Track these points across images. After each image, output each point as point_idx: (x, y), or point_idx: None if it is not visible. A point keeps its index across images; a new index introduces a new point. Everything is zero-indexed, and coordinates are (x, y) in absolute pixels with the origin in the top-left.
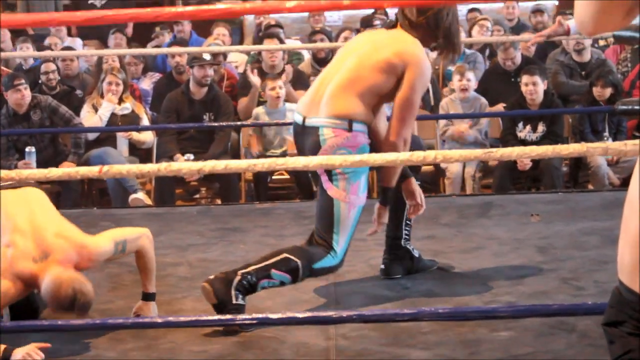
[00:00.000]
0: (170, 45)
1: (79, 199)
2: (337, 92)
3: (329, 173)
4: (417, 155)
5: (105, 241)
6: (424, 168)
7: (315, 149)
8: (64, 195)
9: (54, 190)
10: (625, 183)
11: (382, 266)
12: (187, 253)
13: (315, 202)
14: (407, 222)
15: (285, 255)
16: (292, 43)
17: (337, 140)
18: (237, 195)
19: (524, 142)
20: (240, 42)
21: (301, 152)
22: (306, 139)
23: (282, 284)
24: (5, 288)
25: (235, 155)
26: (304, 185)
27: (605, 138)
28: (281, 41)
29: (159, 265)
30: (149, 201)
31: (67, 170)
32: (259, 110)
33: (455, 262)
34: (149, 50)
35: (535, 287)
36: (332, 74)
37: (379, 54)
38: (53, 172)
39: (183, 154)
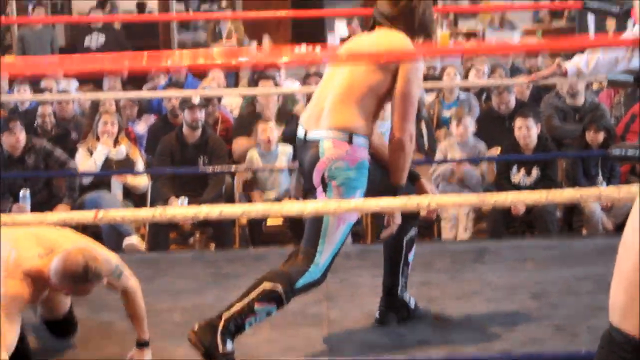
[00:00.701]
0: (165, 87)
1: None
2: (337, 103)
3: (324, 185)
4: (412, 202)
5: (109, 254)
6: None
7: (314, 162)
8: None
9: None
10: (619, 228)
11: (377, 315)
12: (181, 298)
13: None
14: (405, 271)
15: (264, 284)
16: (287, 85)
17: (336, 153)
18: (232, 239)
19: (518, 187)
20: (236, 85)
21: (301, 165)
22: (306, 152)
23: (269, 314)
24: (17, 289)
25: (230, 198)
26: (298, 230)
27: (599, 183)
28: (276, 83)
29: (153, 311)
30: (142, 245)
31: (62, 215)
32: (252, 154)
33: (449, 309)
34: (144, 93)
35: (529, 334)
36: (329, 85)
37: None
38: (49, 218)
39: (177, 198)
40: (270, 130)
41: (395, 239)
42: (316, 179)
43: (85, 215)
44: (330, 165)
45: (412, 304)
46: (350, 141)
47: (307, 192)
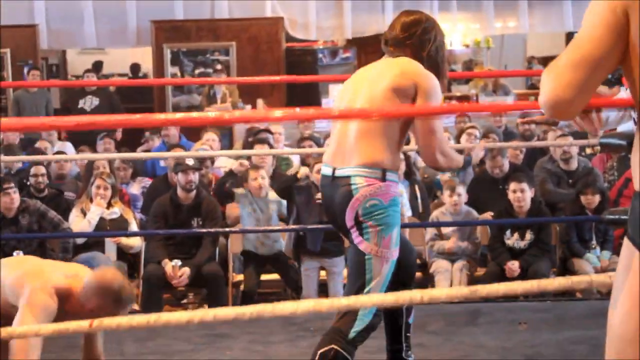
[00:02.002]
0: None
1: None
2: (362, 137)
3: (359, 226)
4: (404, 297)
5: None
6: None
7: (347, 199)
8: None
9: None
10: None
11: None
12: (174, 359)
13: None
14: (407, 334)
15: (320, 351)
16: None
17: (369, 190)
18: (225, 300)
19: (512, 250)
20: (230, 147)
21: (329, 204)
22: (336, 190)
23: None
24: (47, 302)
25: (223, 260)
26: (292, 288)
27: (593, 247)
28: (271, 146)
29: None
30: (136, 306)
31: (57, 327)
32: (243, 194)
33: None
34: (139, 155)
35: None
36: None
37: (385, 83)
38: (43, 329)
39: (171, 259)
40: (262, 177)
41: (390, 314)
42: (349, 217)
43: (81, 325)
44: (364, 203)
45: None
46: (383, 178)
47: (337, 230)
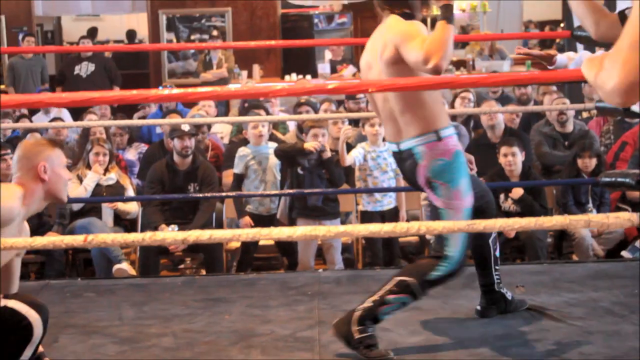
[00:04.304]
0: (165, 115)
1: (63, 269)
2: (405, 111)
3: (431, 186)
4: (401, 227)
5: None
6: (409, 239)
7: (414, 168)
8: (48, 266)
9: (38, 260)
10: (609, 254)
11: (478, 308)
12: (171, 324)
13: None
14: (496, 267)
15: (397, 279)
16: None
17: (431, 154)
18: (222, 265)
19: (507, 214)
20: (226, 113)
21: (406, 175)
22: (404, 163)
23: (404, 304)
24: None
25: (220, 225)
26: (289, 254)
27: (589, 210)
28: (267, 112)
29: (143, 336)
30: (133, 271)
31: (52, 239)
32: (244, 151)
33: (441, 333)
34: (135, 121)
35: (520, 359)
36: (379, 97)
37: (379, 64)
38: (38, 241)
39: (167, 225)
40: (262, 126)
41: (480, 243)
42: (421, 182)
43: (75, 239)
44: (431, 166)
45: (509, 296)
46: (438, 138)
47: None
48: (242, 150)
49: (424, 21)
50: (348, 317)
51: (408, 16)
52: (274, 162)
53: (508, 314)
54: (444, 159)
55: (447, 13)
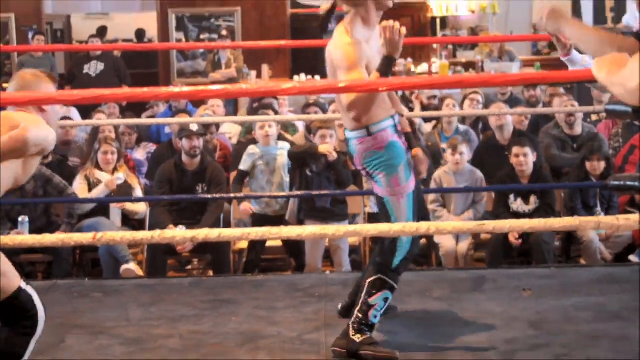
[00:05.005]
0: (174, 115)
1: (70, 270)
2: (345, 105)
3: (370, 176)
4: (410, 227)
5: None
6: None
7: (352, 158)
8: (55, 265)
9: (46, 260)
10: (617, 258)
11: (340, 307)
12: (178, 325)
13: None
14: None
15: (368, 281)
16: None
17: (363, 147)
18: (229, 266)
19: (517, 215)
20: (235, 113)
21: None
22: (349, 149)
23: (387, 299)
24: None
25: (228, 226)
26: (296, 255)
27: (597, 213)
28: (276, 112)
29: (150, 337)
30: (140, 272)
31: (61, 236)
32: (254, 150)
33: (447, 337)
34: (144, 120)
35: None
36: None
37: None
38: (47, 238)
39: (176, 225)
40: (270, 126)
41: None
42: (363, 173)
43: (84, 237)
44: (364, 159)
45: None
46: (369, 133)
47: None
48: (251, 149)
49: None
50: (344, 333)
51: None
52: (282, 163)
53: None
54: (375, 151)
55: (386, 67)
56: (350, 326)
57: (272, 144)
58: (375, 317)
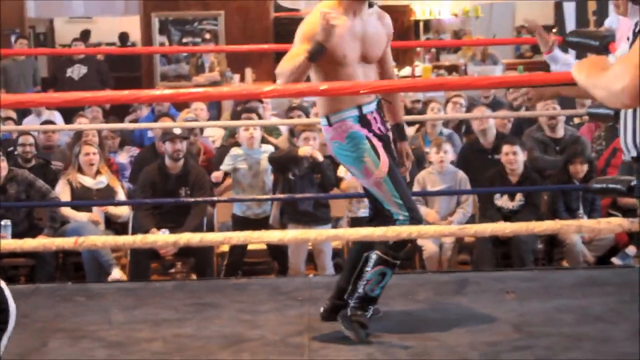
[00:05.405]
0: (157, 118)
1: (53, 273)
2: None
3: (349, 170)
4: (393, 231)
5: None
6: None
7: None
8: (38, 269)
9: (29, 264)
10: (600, 261)
11: (322, 310)
12: (161, 328)
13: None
14: (356, 281)
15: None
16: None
17: (327, 137)
18: (213, 269)
19: (500, 210)
20: (218, 116)
21: None
22: None
23: (383, 274)
24: None
25: (211, 230)
26: (279, 258)
27: (580, 216)
28: (259, 116)
29: (133, 340)
30: (123, 276)
31: (43, 241)
32: (236, 151)
33: (431, 339)
34: (127, 125)
35: None
36: None
37: None
38: (28, 243)
39: (159, 229)
40: (254, 129)
41: (358, 250)
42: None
43: (66, 241)
44: (333, 150)
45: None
46: (329, 123)
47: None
48: (234, 150)
49: None
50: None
51: None
52: (265, 166)
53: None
54: (337, 141)
55: (313, 51)
56: (351, 303)
57: (256, 146)
58: (373, 290)
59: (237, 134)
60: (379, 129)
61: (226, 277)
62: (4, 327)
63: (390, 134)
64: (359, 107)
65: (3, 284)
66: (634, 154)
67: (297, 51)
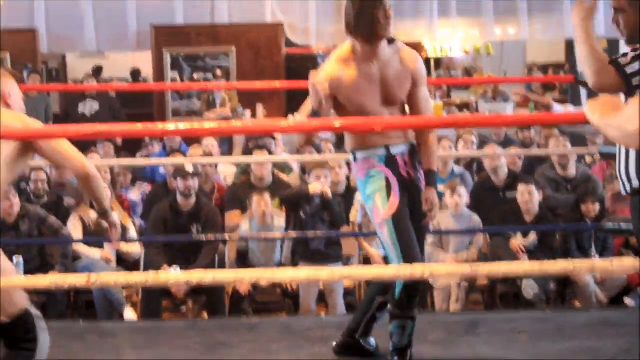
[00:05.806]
0: (169, 154)
1: (64, 311)
2: None
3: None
4: (405, 270)
5: None
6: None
7: None
8: (49, 307)
9: (40, 301)
10: (613, 302)
11: (334, 345)
12: None
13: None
14: (368, 322)
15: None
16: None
17: (353, 172)
18: (224, 308)
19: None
20: (229, 153)
21: None
22: None
23: (404, 328)
24: None
25: (222, 267)
26: (291, 296)
27: (592, 255)
28: (270, 152)
29: None
30: (135, 314)
31: (55, 278)
32: (245, 227)
33: None
34: (138, 160)
35: None
36: None
37: None
38: (41, 281)
39: (170, 266)
40: (265, 203)
41: (374, 293)
42: None
43: (78, 279)
44: (357, 184)
45: (369, 346)
46: (355, 159)
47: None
48: (244, 226)
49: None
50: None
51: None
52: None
53: None
54: (359, 177)
55: (314, 115)
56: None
57: (269, 221)
58: (400, 341)
59: (250, 171)
60: (407, 172)
61: (235, 313)
62: (31, 355)
63: (420, 180)
64: (387, 147)
65: (34, 311)
66: (636, 185)
67: (305, 108)
